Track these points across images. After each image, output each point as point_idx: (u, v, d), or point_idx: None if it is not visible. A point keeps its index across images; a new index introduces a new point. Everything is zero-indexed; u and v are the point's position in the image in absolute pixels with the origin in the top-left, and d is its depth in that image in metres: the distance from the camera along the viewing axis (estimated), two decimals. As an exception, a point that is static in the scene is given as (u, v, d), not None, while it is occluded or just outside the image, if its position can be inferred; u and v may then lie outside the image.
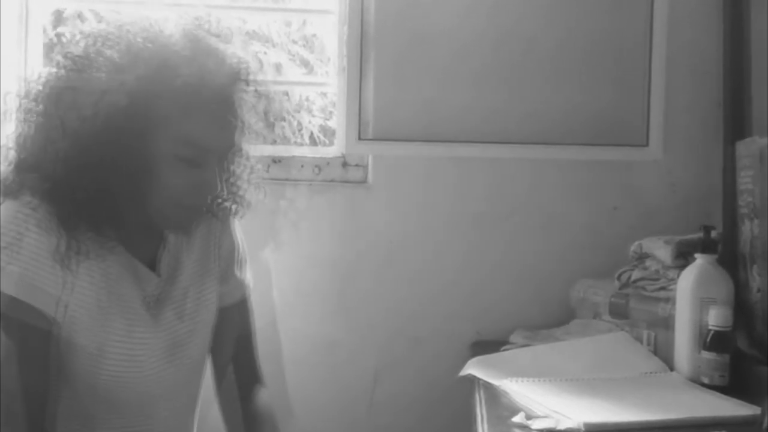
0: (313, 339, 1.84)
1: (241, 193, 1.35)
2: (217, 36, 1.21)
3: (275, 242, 1.84)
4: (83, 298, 1.19)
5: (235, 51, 1.21)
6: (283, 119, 1.38)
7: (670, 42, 1.84)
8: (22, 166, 1.18)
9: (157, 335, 1.27)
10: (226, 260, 1.40)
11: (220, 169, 1.24)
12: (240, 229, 1.43)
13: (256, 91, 1.24)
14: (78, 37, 1.20)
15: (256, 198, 1.37)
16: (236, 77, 1.20)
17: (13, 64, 1.85)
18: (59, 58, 1.19)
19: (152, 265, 1.28)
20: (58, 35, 2.15)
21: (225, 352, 1.40)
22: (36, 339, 1.16)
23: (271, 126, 1.35)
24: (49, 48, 2.04)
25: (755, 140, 1.50)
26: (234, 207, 1.37)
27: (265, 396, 1.41)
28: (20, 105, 1.20)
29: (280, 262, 1.85)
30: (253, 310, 1.45)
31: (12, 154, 1.20)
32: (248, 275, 1.44)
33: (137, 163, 1.14)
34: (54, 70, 1.19)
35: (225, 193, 1.31)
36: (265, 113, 1.29)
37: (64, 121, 1.14)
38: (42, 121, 1.17)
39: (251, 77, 1.23)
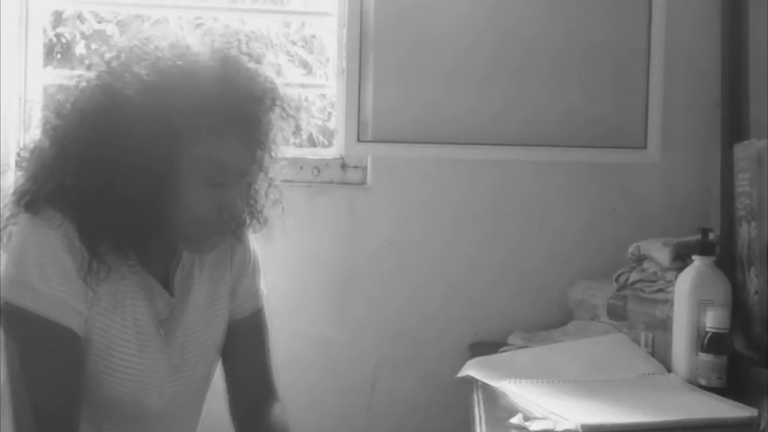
0: (312, 340, 1.85)
1: (259, 208, 1.31)
2: (248, 56, 1.18)
3: (273, 243, 1.84)
4: (99, 317, 1.17)
5: (265, 70, 1.18)
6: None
7: (668, 44, 1.85)
8: (40, 180, 1.16)
9: (165, 355, 1.25)
10: (238, 270, 1.36)
11: (241, 187, 1.21)
12: (253, 238, 1.39)
13: (283, 110, 1.21)
14: (103, 49, 1.18)
15: (273, 214, 1.34)
16: (265, 98, 1.17)
17: (13, 64, 1.85)
18: (83, 71, 1.16)
19: (166, 281, 1.26)
20: (58, 35, 2.16)
21: (238, 366, 1.36)
22: (64, 355, 1.14)
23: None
24: (49, 48, 2.04)
25: (753, 143, 1.50)
26: (251, 222, 1.33)
27: (280, 412, 1.36)
28: (42, 116, 1.18)
29: (279, 263, 1.85)
30: (267, 322, 1.40)
31: (30, 166, 1.18)
32: (262, 285, 1.40)
33: (161, 182, 1.12)
34: (78, 82, 1.16)
35: (245, 210, 1.28)
36: (293, 132, 1.27)
37: (87, 137, 1.12)
38: (64, 135, 1.15)
39: (280, 97, 1.20)
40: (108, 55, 1.15)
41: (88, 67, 1.16)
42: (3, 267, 1.14)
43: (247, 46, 1.18)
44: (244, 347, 1.36)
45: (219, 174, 1.15)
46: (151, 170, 1.11)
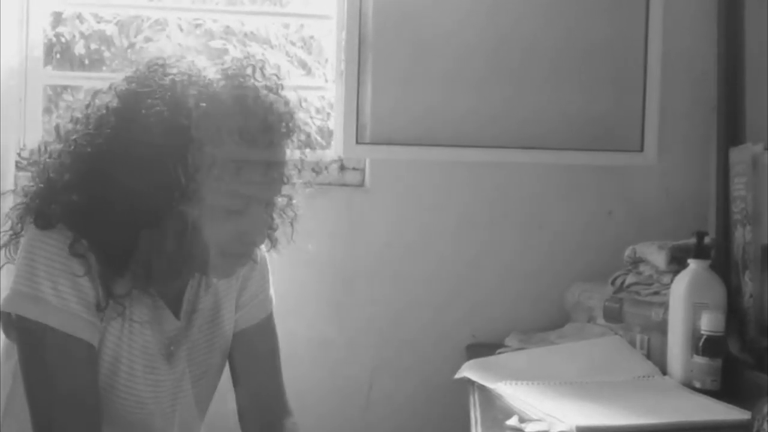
0: (310, 341, 1.85)
1: (275, 227, 1.30)
2: (265, 87, 1.16)
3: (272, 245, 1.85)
4: (109, 337, 1.17)
5: (283, 99, 1.17)
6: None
7: (665, 48, 1.85)
8: (47, 200, 1.13)
9: (169, 377, 1.24)
10: (245, 276, 1.35)
11: (266, 215, 1.20)
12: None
13: (299, 135, 1.20)
14: (121, 84, 1.14)
15: (287, 234, 1.33)
16: (282, 127, 1.15)
17: (14, 64, 1.85)
18: (103, 111, 1.13)
19: (174, 303, 1.25)
20: (57, 35, 2.16)
21: (248, 378, 1.34)
22: (83, 367, 1.14)
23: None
24: (48, 48, 2.05)
25: (749, 147, 1.51)
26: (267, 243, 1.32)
27: (293, 428, 1.35)
28: (49, 147, 1.16)
29: (277, 264, 1.85)
30: (275, 330, 1.39)
31: (36, 190, 1.15)
32: (271, 291, 1.40)
33: (185, 219, 1.10)
34: (87, 114, 1.14)
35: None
36: (305, 154, 1.25)
37: (104, 179, 1.10)
38: (78, 175, 1.12)
39: (296, 124, 1.19)
40: (121, 87, 1.13)
41: (95, 95, 1.14)
42: (13, 282, 1.12)
43: (262, 75, 1.16)
44: (254, 357, 1.35)
45: (242, 205, 1.14)
46: (173, 210, 1.09)
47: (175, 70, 1.12)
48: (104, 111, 1.12)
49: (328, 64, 2.13)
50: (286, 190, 1.25)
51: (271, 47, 2.74)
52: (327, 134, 2.08)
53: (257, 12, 2.17)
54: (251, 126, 1.11)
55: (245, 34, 2.74)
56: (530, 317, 1.85)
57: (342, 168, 1.90)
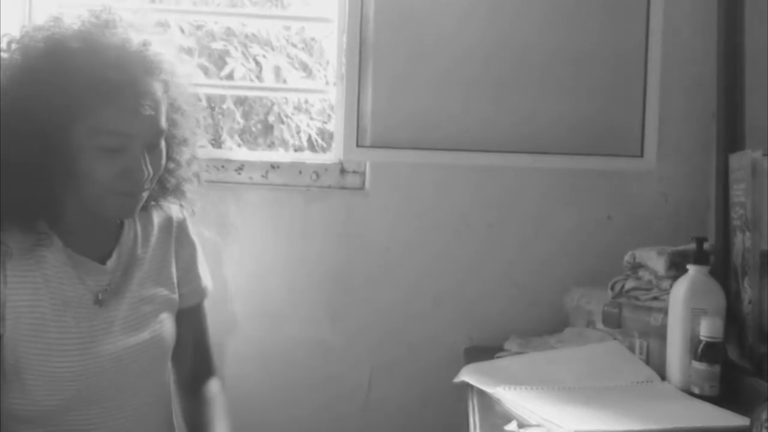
0: (309, 343, 1.86)
1: (177, 178, 1.37)
2: (98, 27, 1.24)
3: (273, 247, 1.86)
4: (25, 300, 1.22)
5: (132, 38, 1.25)
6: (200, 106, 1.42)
7: (665, 53, 1.85)
8: None
9: (104, 322, 1.29)
10: (187, 263, 1.44)
11: (140, 151, 1.25)
12: (196, 233, 1.48)
13: (152, 69, 1.26)
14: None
15: (198, 193, 1.41)
16: (136, 63, 1.23)
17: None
18: None
19: (103, 255, 1.32)
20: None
21: (181, 349, 1.44)
22: None
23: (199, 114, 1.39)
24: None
25: (748, 153, 1.51)
26: (182, 203, 1.41)
27: (216, 384, 1.49)
28: None
29: (277, 266, 1.86)
30: (206, 312, 1.50)
31: None
32: (206, 279, 1.49)
33: (62, 160, 1.19)
34: None
35: (165, 176, 1.34)
36: (178, 95, 1.32)
37: None
38: None
39: (153, 60, 1.26)
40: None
41: None
42: None
43: (106, 19, 1.26)
44: (186, 333, 1.45)
45: (115, 142, 1.21)
46: (48, 152, 1.18)
47: (37, 33, 1.23)
48: None
49: (329, 66, 2.13)
50: (186, 146, 1.35)
51: (272, 49, 2.75)
52: (327, 137, 2.08)
53: (258, 14, 2.16)
54: (91, 70, 1.19)
55: (246, 36, 2.74)
56: (529, 321, 1.85)
57: (342, 171, 1.90)
